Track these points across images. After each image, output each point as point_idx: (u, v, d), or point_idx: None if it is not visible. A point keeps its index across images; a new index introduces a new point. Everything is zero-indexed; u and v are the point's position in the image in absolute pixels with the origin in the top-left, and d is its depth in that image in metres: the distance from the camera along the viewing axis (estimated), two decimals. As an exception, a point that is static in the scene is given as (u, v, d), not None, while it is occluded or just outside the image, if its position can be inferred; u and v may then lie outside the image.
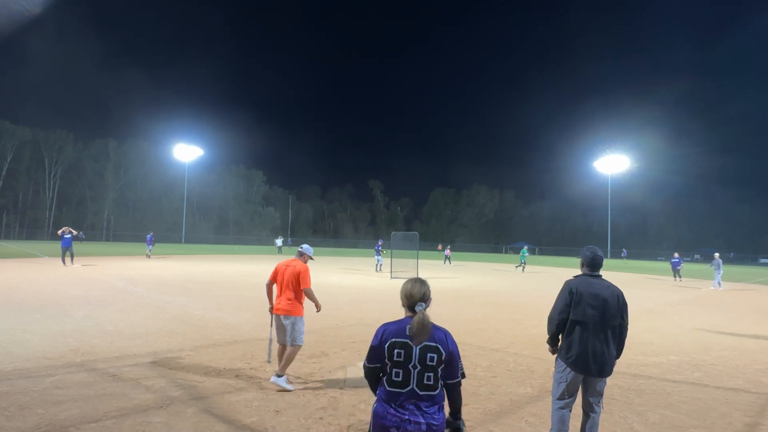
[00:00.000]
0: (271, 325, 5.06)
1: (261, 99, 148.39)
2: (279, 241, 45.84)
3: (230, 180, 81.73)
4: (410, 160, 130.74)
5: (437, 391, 2.11)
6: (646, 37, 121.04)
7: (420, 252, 22.23)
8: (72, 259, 19.13)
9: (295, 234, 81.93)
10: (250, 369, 5.33)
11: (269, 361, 5.26)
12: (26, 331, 6.89)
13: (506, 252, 73.51)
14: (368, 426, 2.26)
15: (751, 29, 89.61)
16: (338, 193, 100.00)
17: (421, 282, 2.25)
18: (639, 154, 68.57)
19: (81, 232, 48.40)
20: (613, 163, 65.03)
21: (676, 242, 67.15)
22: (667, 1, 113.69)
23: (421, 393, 2.07)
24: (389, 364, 2.11)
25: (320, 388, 4.77)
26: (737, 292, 18.25)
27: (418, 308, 2.14)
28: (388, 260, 20.38)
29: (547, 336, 3.45)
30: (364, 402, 4.37)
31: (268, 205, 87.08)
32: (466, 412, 3.98)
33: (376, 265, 22.60)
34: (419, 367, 2.07)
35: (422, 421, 2.03)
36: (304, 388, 4.73)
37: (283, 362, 4.73)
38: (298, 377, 5.10)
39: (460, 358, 2.19)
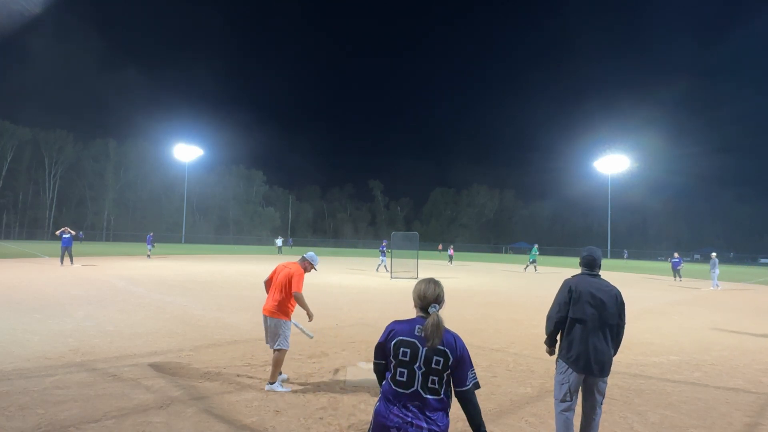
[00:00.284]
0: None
1: (261, 99, 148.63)
2: (279, 241, 45.90)
3: (230, 180, 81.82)
4: (410, 160, 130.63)
5: (443, 396, 2.05)
6: (646, 37, 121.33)
7: (420, 252, 22.25)
8: (71, 260, 19.14)
9: (295, 234, 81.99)
10: (250, 369, 5.33)
11: (311, 337, 5.15)
12: (26, 331, 6.89)
13: (506, 252, 73.49)
14: (368, 426, 2.24)
15: (751, 29, 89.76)
16: (338, 193, 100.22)
17: (435, 283, 2.18)
18: (639, 154, 68.77)
19: (80, 232, 48.45)
20: (613, 163, 65.10)
21: (676, 242, 67.21)
22: (667, 1, 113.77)
23: (425, 396, 2.01)
24: (393, 362, 2.07)
25: (320, 388, 4.77)
26: (737, 292, 18.24)
27: (431, 310, 2.07)
28: (389, 260, 20.39)
29: (546, 335, 3.45)
30: (364, 402, 4.37)
31: (268, 205, 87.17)
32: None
33: (378, 265, 22.61)
34: (424, 369, 2.01)
35: (425, 425, 1.96)
36: (304, 388, 4.73)
37: (271, 369, 4.71)
38: (298, 377, 5.10)
39: (472, 365, 2.07)
